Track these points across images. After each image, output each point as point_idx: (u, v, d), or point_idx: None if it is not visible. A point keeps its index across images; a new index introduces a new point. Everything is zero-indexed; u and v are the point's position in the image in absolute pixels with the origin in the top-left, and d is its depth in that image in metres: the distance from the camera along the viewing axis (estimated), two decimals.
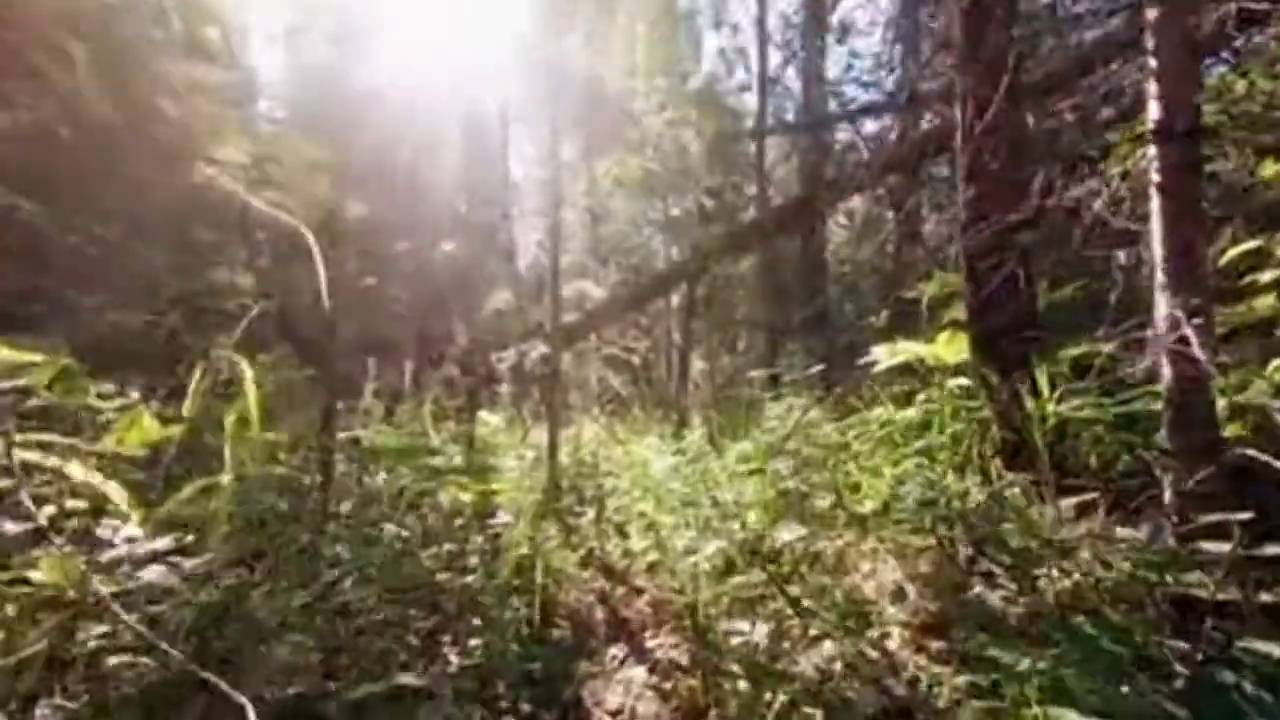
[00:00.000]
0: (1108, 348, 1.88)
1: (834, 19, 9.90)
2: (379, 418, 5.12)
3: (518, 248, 13.77)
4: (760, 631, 1.85)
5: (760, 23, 9.21)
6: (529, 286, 11.02)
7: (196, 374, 1.53)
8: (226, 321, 5.35)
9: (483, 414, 5.89)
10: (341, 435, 3.45)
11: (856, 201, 11.65)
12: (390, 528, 3.04)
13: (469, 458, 4.42)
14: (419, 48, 10.79)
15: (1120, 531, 1.43)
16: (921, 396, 2.70)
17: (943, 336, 2.94)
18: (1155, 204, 1.57)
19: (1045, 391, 1.85)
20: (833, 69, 10.06)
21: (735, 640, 1.86)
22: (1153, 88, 1.56)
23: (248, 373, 1.62)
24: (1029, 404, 1.83)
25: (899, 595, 1.71)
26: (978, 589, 1.51)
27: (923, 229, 7.45)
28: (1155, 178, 1.55)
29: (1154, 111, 1.57)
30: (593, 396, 7.73)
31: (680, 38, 8.83)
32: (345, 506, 3.09)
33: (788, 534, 2.34)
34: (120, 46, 3.38)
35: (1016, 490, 1.76)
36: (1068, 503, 1.59)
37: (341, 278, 6.90)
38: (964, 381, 2.37)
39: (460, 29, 9.65)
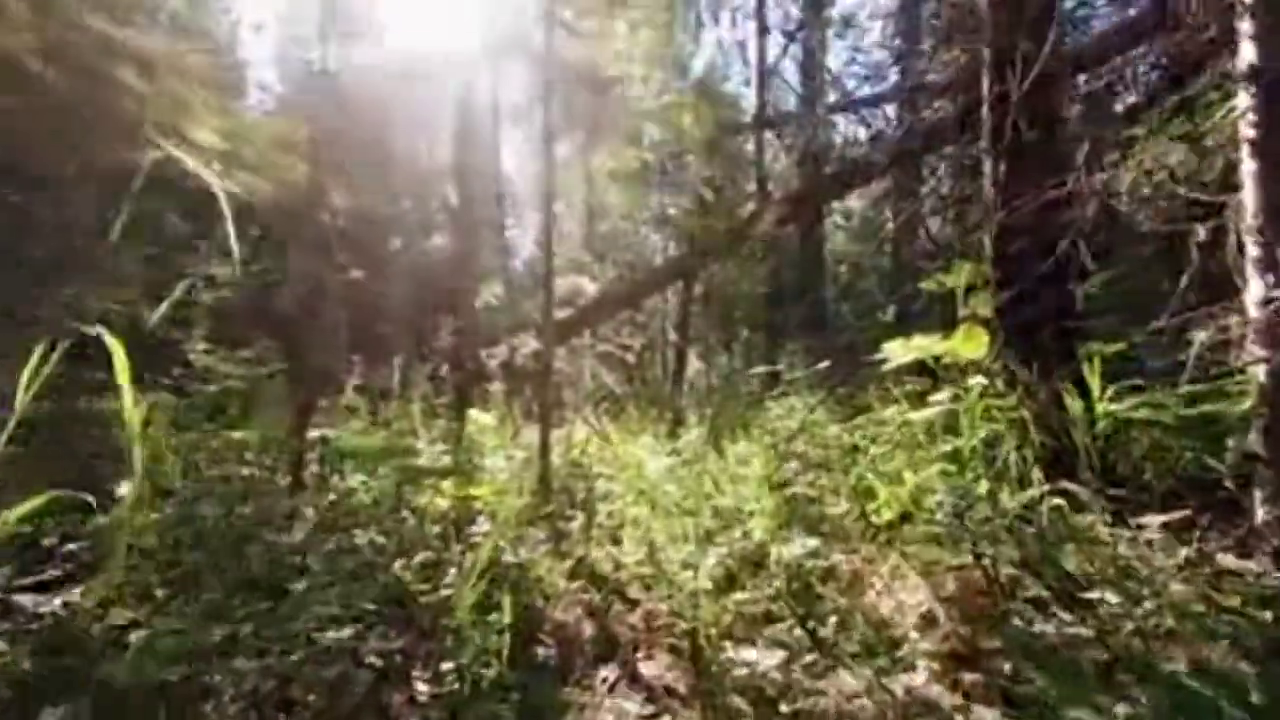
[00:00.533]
0: (1205, 335, 1.66)
1: (834, 12, 9.72)
2: (364, 416, 4.88)
3: (514, 244, 13.54)
4: (769, 660, 1.63)
5: (760, 13, 9.01)
6: (524, 281, 10.79)
7: (34, 356, 1.28)
8: (203, 313, 5.10)
9: (473, 413, 5.67)
10: (314, 434, 3.22)
11: (855, 201, 11.48)
12: (362, 535, 2.81)
13: (455, 458, 4.18)
14: (412, 38, 10.55)
15: (1225, 560, 1.22)
16: (940, 395, 2.48)
17: (961, 331, 2.72)
18: (1247, 164, 1.35)
19: (1095, 389, 1.64)
20: (833, 63, 9.88)
21: (741, 670, 1.64)
22: (1246, 25, 1.33)
23: (116, 347, 1.38)
24: (1075, 404, 1.62)
25: (929, 620, 1.50)
26: (1027, 617, 1.29)
27: (925, 224, 7.25)
28: (1248, 132, 1.33)
29: (1247, 53, 1.34)
30: (587, 395, 7.51)
31: (678, 27, 8.60)
32: (313, 512, 2.86)
33: (797, 546, 2.12)
34: (71, 14, 3.13)
35: (1059, 502, 1.55)
36: (1147, 520, 1.38)
37: (328, 268, 6.66)
38: (989, 380, 2.15)
39: (453, 18, 9.41)
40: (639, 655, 2.33)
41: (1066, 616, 1.27)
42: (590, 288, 7.94)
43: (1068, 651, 1.26)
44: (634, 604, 2.79)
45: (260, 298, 5.34)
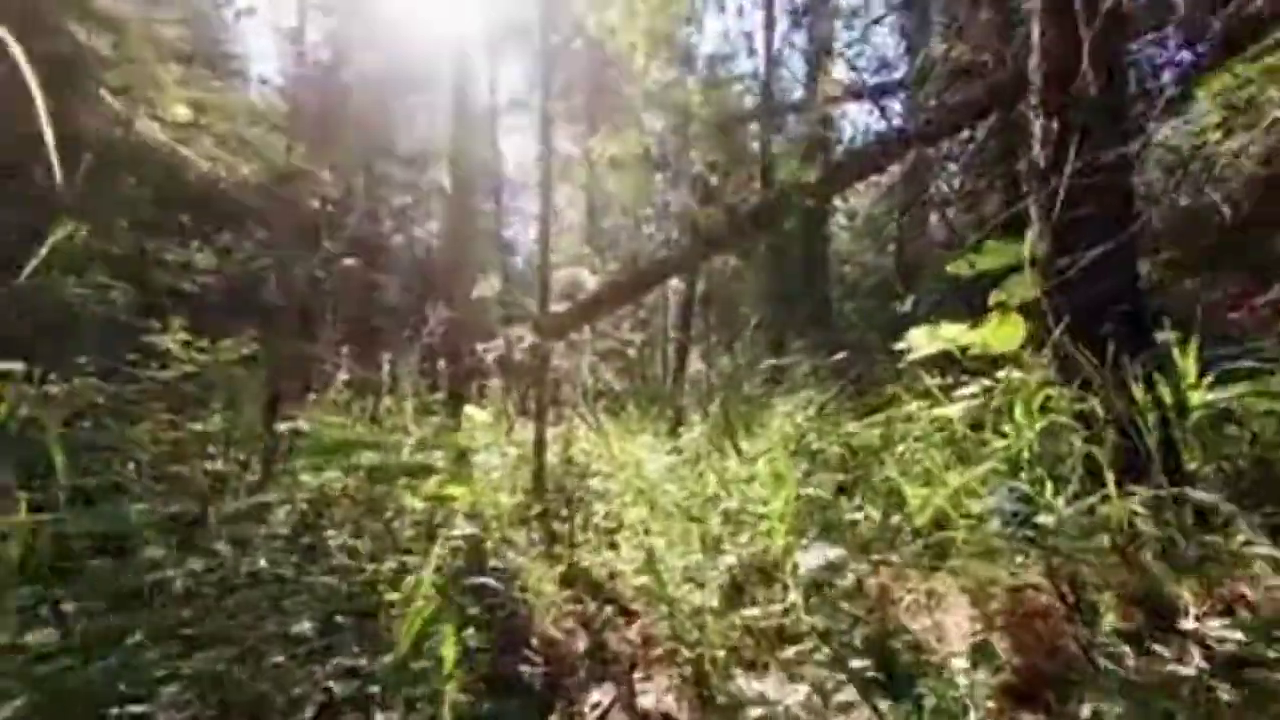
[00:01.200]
0: None
1: (843, 1, 9.47)
2: (353, 410, 4.64)
3: (514, 238, 13.30)
4: (789, 695, 1.37)
5: (768, 3, 8.76)
6: (522, 275, 10.55)
7: None
8: (179, 300, 4.84)
9: (469, 409, 5.43)
10: (285, 426, 2.97)
11: (859, 199, 11.25)
12: (335, 536, 2.56)
13: (446, 455, 3.94)
14: (410, 23, 10.34)
15: None
16: (974, 388, 2.23)
17: (993, 320, 2.47)
18: None
19: (1191, 374, 1.37)
20: (840, 52, 9.60)
21: (756, 708, 1.38)
22: None
23: None
24: (1160, 394, 1.36)
25: (981, 649, 1.25)
26: (1112, 651, 1.04)
27: (943, 210, 6.99)
28: None
29: None
30: (585, 391, 7.26)
31: (683, 10, 8.34)
32: (283, 512, 2.61)
33: (815, 555, 1.86)
34: None
35: (1138, 509, 1.29)
36: None
37: (316, 255, 6.41)
38: (1036, 369, 1.88)
39: (453, 3, 9.19)
40: (636, 677, 2.08)
41: (1165, 652, 1.02)
42: (590, 281, 7.68)
43: (1164, 693, 1.00)
44: (631, 616, 2.54)
45: (243, 284, 5.09)
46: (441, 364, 7.04)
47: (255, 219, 5.09)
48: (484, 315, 7.16)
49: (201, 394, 3.36)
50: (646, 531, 2.91)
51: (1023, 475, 1.47)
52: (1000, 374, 2.28)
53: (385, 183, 8.43)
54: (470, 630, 1.94)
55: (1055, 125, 1.77)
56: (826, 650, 1.66)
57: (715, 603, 1.88)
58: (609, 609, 2.58)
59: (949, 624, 1.54)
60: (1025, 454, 1.50)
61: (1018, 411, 1.57)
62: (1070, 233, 1.75)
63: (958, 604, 1.56)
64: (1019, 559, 1.29)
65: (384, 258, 7.75)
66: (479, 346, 6.97)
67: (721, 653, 1.71)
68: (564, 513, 3.52)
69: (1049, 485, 1.36)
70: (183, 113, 3.60)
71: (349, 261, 6.48)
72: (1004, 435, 1.64)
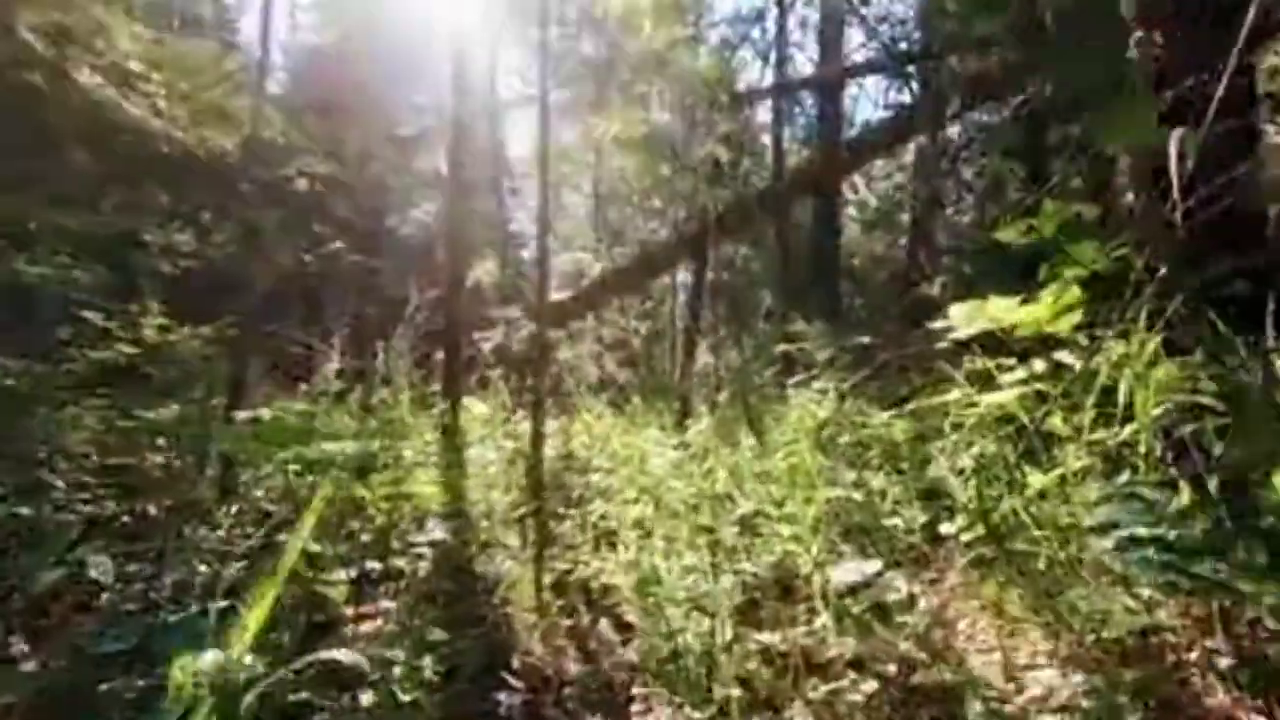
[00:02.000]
0: None
1: None
2: (341, 402, 4.35)
3: (519, 229, 13.00)
4: None
5: None
6: (523, 263, 10.25)
7: None
8: (155, 282, 4.55)
9: (466, 400, 5.14)
10: (245, 415, 2.68)
11: (867, 193, 10.88)
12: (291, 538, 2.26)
13: (441, 449, 3.67)
14: (410, 4, 10.00)
15: None
16: (1029, 371, 1.89)
17: (1049, 294, 2.13)
18: None
19: None
20: (851, 34, 9.21)
21: None
22: None
23: None
24: None
25: (1103, 705, 0.91)
26: None
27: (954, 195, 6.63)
28: None
29: None
30: (588, 382, 6.95)
31: None
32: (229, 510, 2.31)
33: (850, 569, 1.55)
34: None
35: None
36: None
37: (305, 238, 6.12)
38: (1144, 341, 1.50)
39: None
40: (633, 709, 1.77)
41: None
42: (595, 267, 7.37)
43: None
44: (629, 630, 2.23)
45: (221, 266, 4.80)
46: (439, 353, 6.75)
47: (237, 198, 4.79)
48: (482, 302, 6.86)
49: (160, 379, 3.08)
50: (648, 534, 2.60)
51: (1134, 475, 1.13)
52: (1061, 355, 1.95)
53: (381, 165, 8.14)
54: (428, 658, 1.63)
55: (1157, 36, 1.41)
56: (867, 687, 1.34)
57: (727, 628, 1.55)
58: (605, 622, 2.28)
59: (1025, 661, 1.21)
60: (1141, 448, 1.16)
61: (1126, 393, 1.22)
62: (1214, 155, 1.31)
63: (1033, 637, 1.23)
64: (1148, 591, 0.96)
65: (378, 242, 7.44)
66: (477, 335, 6.68)
67: (736, 691, 1.39)
68: (560, 511, 3.24)
69: (1184, 490, 1.01)
70: (130, 58, 3.25)
71: (338, 245, 6.18)
72: (1101, 425, 1.30)
